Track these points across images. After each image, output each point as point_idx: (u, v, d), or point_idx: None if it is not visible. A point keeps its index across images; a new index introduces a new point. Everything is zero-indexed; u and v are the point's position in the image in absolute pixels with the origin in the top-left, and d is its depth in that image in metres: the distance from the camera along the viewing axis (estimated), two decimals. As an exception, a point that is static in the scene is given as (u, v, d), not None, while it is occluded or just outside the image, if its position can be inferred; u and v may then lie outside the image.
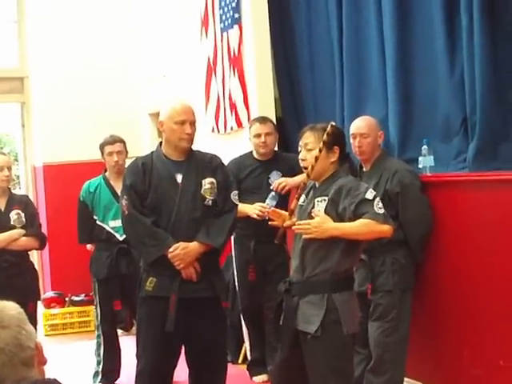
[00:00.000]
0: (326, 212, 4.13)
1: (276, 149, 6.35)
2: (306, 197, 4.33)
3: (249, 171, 6.16)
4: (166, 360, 4.68)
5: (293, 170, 6.04)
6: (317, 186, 4.29)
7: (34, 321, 5.90)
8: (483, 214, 4.88)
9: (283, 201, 6.00)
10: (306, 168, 4.26)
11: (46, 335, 8.68)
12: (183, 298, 4.55)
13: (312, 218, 4.15)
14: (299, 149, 4.37)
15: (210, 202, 4.65)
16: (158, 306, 4.58)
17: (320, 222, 4.09)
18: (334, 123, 4.28)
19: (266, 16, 7.18)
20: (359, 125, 5.27)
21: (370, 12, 6.09)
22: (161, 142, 4.81)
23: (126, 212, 4.68)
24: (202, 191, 4.65)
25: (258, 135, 6.11)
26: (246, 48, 7.24)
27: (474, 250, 4.96)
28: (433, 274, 5.22)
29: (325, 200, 4.17)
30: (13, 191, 6.38)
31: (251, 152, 6.27)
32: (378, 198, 4.14)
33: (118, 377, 6.38)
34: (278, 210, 4.64)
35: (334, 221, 4.11)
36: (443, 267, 5.16)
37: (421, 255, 5.15)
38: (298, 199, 4.38)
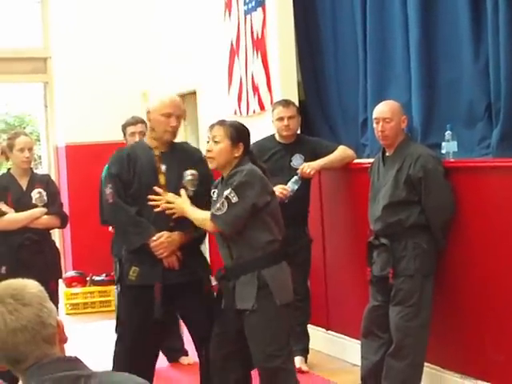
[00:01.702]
0: None
1: (299, 132, 6.34)
2: (215, 189, 4.64)
3: (271, 154, 6.15)
4: (147, 344, 4.85)
5: (315, 153, 6.05)
6: (224, 179, 4.57)
7: (55, 299, 5.92)
8: (507, 199, 4.85)
9: (305, 185, 6.00)
10: (210, 158, 4.57)
11: (66, 314, 8.74)
12: (166, 285, 4.72)
13: None
14: (207, 140, 4.64)
15: (192, 193, 4.78)
16: (142, 294, 4.75)
17: (179, 203, 4.62)
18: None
19: (290, -1, 7.17)
20: (382, 109, 5.24)
21: (394, -4, 6.05)
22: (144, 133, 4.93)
23: (111, 200, 4.83)
24: (184, 182, 4.79)
25: (281, 118, 6.10)
26: (269, 31, 7.22)
27: (497, 236, 4.93)
28: (455, 260, 5.19)
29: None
30: (34, 171, 6.40)
31: (273, 135, 6.26)
32: (224, 199, 4.41)
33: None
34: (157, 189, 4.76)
35: None
36: (466, 253, 5.13)
37: (443, 241, 5.13)
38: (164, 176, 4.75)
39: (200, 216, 4.56)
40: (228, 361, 4.62)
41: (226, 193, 4.40)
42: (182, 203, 4.62)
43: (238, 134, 4.55)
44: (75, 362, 2.09)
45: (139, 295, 4.78)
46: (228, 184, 4.44)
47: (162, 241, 4.70)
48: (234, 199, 4.37)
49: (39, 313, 2.06)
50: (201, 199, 4.75)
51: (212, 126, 4.60)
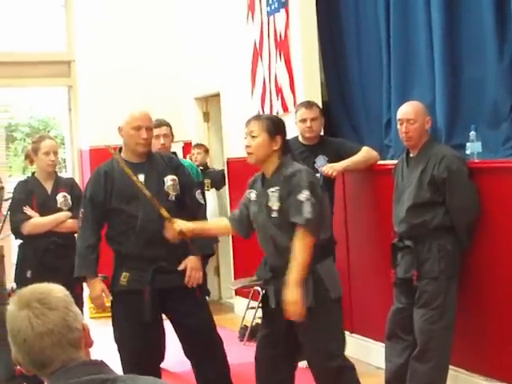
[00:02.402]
0: (279, 200, 4.39)
1: (322, 133, 6.33)
2: (252, 189, 4.60)
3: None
4: (147, 350, 4.96)
5: (339, 154, 6.04)
6: (266, 178, 4.51)
7: (80, 302, 5.95)
8: (532, 201, 4.83)
9: (329, 186, 5.98)
10: (249, 153, 4.52)
11: (91, 317, 8.77)
12: (158, 289, 4.85)
13: (269, 208, 4.42)
14: (245, 136, 4.59)
15: (174, 198, 4.95)
16: (134, 299, 4.85)
17: (292, 302, 4.26)
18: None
19: (313, 0, 7.15)
20: (406, 110, 5.23)
21: (417, -4, 6.03)
22: (120, 148, 5.08)
23: (80, 224, 5.04)
24: (165, 188, 4.94)
25: (304, 120, 6.10)
26: (292, 32, 7.22)
27: (522, 238, 4.90)
28: (480, 262, 5.17)
29: (278, 189, 4.40)
30: (59, 174, 6.43)
31: (297, 136, 6.25)
32: (309, 202, 4.30)
33: (163, 360, 6.41)
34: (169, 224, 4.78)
35: (284, 206, 4.34)
36: (491, 254, 5.11)
37: (468, 242, 5.10)
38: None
39: (302, 254, 4.28)
40: (275, 362, 4.55)
41: (305, 196, 4.28)
42: (292, 294, 4.26)
43: (275, 126, 4.51)
44: (101, 365, 2.10)
45: (131, 300, 4.87)
46: (292, 186, 4.33)
47: (192, 270, 4.93)
48: (313, 200, 4.31)
49: (65, 317, 2.07)
50: (183, 203, 4.97)
51: (248, 122, 4.57)
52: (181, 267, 4.92)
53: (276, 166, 4.48)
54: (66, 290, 2.15)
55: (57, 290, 2.13)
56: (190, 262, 4.94)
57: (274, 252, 4.48)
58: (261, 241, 4.59)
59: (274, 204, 4.41)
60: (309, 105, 6.20)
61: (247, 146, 4.52)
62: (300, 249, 4.28)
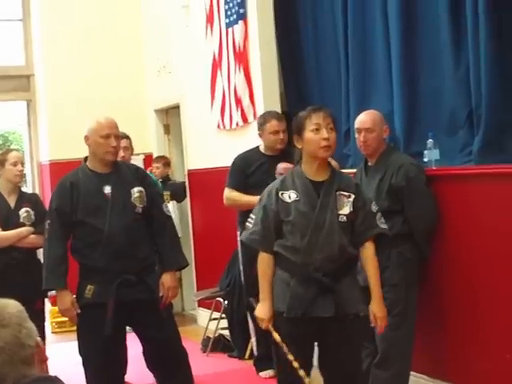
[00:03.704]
0: (352, 206, 4.22)
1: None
2: (283, 191, 4.30)
3: (256, 166, 6.14)
4: (112, 363, 4.93)
5: (299, 164, 6.03)
6: (313, 179, 4.26)
7: (42, 318, 5.92)
8: (489, 207, 4.87)
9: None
10: (327, 147, 4.19)
11: (53, 332, 8.70)
12: (122, 302, 4.77)
13: (336, 210, 4.20)
14: (314, 127, 4.23)
15: (140, 210, 4.89)
16: (98, 313, 4.77)
17: (383, 316, 4.34)
18: None
19: (271, 11, 7.19)
20: (364, 119, 5.26)
21: (375, 6, 6.07)
22: (86, 158, 5.02)
23: (46, 236, 4.93)
24: (132, 200, 4.87)
25: (276, 132, 6.09)
26: (251, 43, 7.24)
27: (480, 244, 4.94)
28: (438, 268, 5.20)
29: (350, 196, 4.22)
30: (22, 189, 6.40)
31: (258, 147, 6.25)
32: (379, 213, 4.32)
33: (125, 373, 6.37)
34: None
35: (353, 216, 4.22)
36: (449, 261, 5.14)
37: (427, 249, 5.14)
38: None
39: (377, 265, 4.37)
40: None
41: (375, 207, 4.30)
42: (382, 309, 4.34)
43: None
44: (54, 381, 2.07)
45: (96, 313, 4.79)
46: (364, 196, 4.31)
47: (169, 289, 4.92)
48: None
49: (17, 334, 2.04)
50: (150, 216, 4.93)
51: (319, 113, 4.27)
52: (161, 293, 4.90)
53: (330, 169, 4.30)
54: (20, 306, 2.12)
55: (11, 306, 2.10)
56: (167, 282, 4.93)
57: (334, 255, 4.19)
58: (313, 244, 4.18)
59: (344, 208, 4.20)
60: (279, 116, 6.20)
61: (326, 139, 4.17)
62: (376, 260, 4.33)
